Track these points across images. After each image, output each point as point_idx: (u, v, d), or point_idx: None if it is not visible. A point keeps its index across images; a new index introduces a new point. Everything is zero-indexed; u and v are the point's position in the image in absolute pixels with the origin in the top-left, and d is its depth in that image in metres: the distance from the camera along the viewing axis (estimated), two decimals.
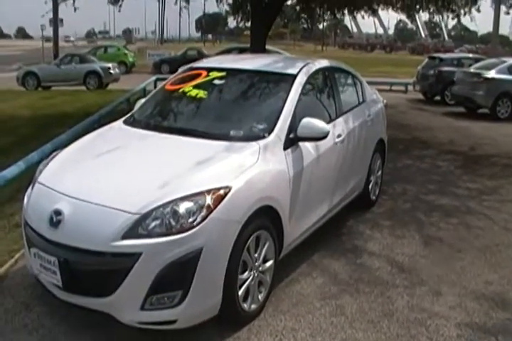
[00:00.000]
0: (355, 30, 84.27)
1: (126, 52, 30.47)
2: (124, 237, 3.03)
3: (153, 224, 3.06)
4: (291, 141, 3.95)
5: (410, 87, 18.14)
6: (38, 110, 12.86)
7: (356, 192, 5.50)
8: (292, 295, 3.89)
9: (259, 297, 3.62)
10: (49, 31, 30.61)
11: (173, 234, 3.03)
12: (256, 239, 3.47)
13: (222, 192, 3.21)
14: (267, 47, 14.30)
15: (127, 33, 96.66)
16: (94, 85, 20.44)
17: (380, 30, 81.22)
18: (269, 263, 3.68)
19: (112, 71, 20.95)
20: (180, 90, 4.60)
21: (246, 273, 3.42)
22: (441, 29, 76.55)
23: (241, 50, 19.21)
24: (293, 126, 3.98)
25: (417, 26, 71.91)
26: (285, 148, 3.88)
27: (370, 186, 5.78)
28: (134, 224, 3.06)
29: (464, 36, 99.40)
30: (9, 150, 7.92)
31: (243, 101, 4.41)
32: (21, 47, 63.51)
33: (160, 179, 3.31)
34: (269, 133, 3.87)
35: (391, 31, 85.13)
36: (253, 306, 3.54)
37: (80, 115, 9.88)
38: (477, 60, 15.88)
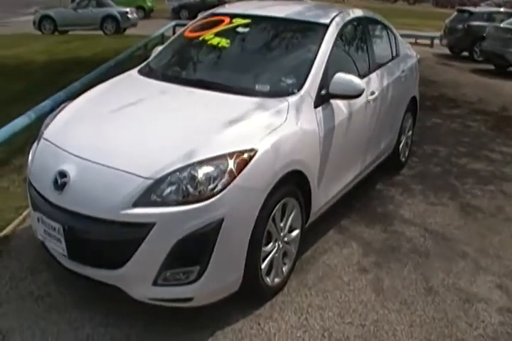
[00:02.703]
0: None
1: None
2: (136, 205, 2.68)
3: (168, 190, 2.71)
4: (323, 98, 3.55)
5: (436, 41, 17.30)
6: (54, 55, 12.35)
7: (387, 154, 5.11)
8: (318, 267, 3.59)
9: (283, 269, 3.32)
10: None
11: (190, 203, 2.68)
12: (282, 207, 3.13)
13: (246, 155, 2.84)
14: None
15: None
16: (112, 30, 19.95)
17: None
18: (295, 233, 3.36)
19: (129, 16, 20.45)
20: (201, 38, 4.15)
21: (270, 244, 3.11)
22: None
23: None
24: (325, 82, 3.56)
25: None
26: (316, 106, 3.48)
27: (400, 147, 5.38)
28: (147, 190, 2.70)
29: None
30: (21, 97, 7.54)
31: (270, 52, 3.95)
32: None
33: (177, 139, 2.95)
34: (299, 90, 3.46)
35: None
36: (276, 280, 3.24)
37: (97, 60, 9.39)
38: (510, 15, 14.96)
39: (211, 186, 2.73)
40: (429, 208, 4.66)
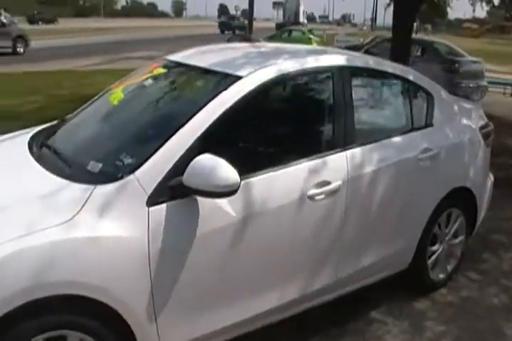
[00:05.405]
0: None
1: (311, 36, 30.55)
2: None
3: None
4: (173, 192, 2.30)
5: None
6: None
7: (395, 269, 3.53)
8: None
9: None
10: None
11: None
12: None
13: None
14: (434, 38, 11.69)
15: (343, 18, 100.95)
16: None
17: None
18: None
19: None
20: (112, 90, 3.27)
21: None
22: None
23: (389, 40, 16.74)
24: (183, 167, 2.30)
25: None
26: (153, 203, 2.25)
27: (429, 260, 3.70)
28: None
29: None
30: None
31: (145, 115, 2.86)
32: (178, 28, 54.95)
33: None
34: (129, 174, 2.29)
35: None
36: None
37: None
38: None
39: None
40: None
